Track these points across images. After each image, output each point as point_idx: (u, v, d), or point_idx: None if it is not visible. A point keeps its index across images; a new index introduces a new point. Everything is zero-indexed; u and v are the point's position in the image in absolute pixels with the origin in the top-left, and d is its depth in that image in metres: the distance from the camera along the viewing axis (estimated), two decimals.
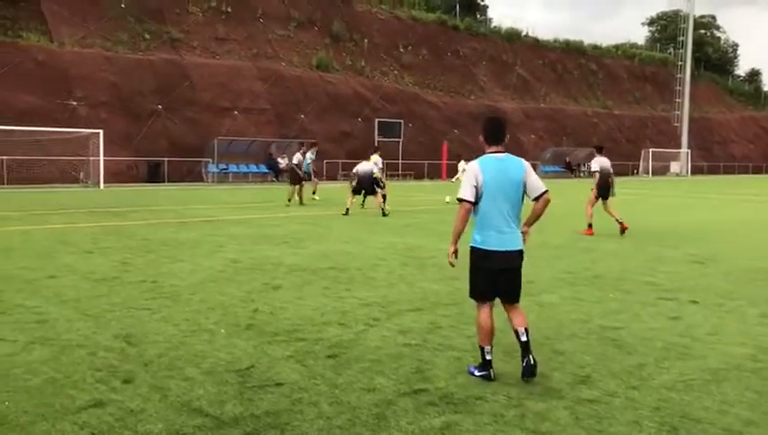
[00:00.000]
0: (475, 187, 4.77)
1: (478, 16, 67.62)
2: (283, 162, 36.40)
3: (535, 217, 4.96)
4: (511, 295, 4.90)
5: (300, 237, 12.74)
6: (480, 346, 4.90)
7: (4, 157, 30.97)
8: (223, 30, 44.52)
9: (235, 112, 41.32)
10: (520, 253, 4.87)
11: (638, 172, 63.85)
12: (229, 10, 45.43)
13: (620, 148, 62.59)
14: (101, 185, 30.69)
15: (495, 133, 4.94)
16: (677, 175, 65.60)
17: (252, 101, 42.59)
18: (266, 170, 40.64)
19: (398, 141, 46.88)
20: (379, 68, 52.42)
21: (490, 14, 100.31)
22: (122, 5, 40.45)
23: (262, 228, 14.35)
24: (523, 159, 4.95)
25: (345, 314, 6.67)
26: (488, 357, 4.86)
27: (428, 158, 48.56)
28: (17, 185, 30.39)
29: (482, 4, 70.62)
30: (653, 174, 62.84)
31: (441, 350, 5.54)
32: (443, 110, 53.09)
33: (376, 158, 19.65)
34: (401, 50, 54.85)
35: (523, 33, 67.25)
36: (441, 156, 48.42)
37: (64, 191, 27.74)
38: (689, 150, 69.21)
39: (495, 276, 4.83)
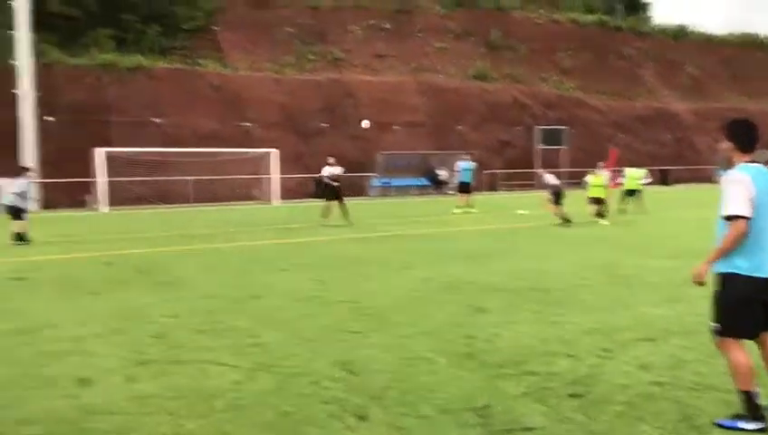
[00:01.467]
0: (750, 200, 4.02)
1: (641, 15, 63.94)
2: (443, 174, 36.19)
3: None
4: None
5: (484, 253, 12.23)
6: (743, 391, 4.10)
7: (189, 177, 33.28)
8: (383, 46, 45.32)
9: (396, 127, 41.78)
10: None
11: None
12: (388, 26, 46.20)
13: None
14: (275, 201, 32.07)
15: (752, 139, 4.24)
16: None
17: (411, 115, 42.90)
18: (427, 183, 40.66)
19: (561, 149, 45.16)
20: (538, 74, 50.92)
21: (653, 12, 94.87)
22: (289, 30, 42.37)
23: (441, 243, 14.03)
24: None
25: (569, 344, 6.05)
26: (759, 402, 4.08)
27: (593, 165, 46.32)
28: (200, 203, 32.55)
29: (644, 2, 66.77)
30: None
31: (699, 390, 4.79)
32: (607, 114, 50.56)
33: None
34: (561, 54, 52.96)
35: (691, 30, 62.63)
36: (609, 162, 46.01)
37: (242, 209, 29.26)
38: None
39: (761, 309, 4.07)
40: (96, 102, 33.99)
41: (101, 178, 29.52)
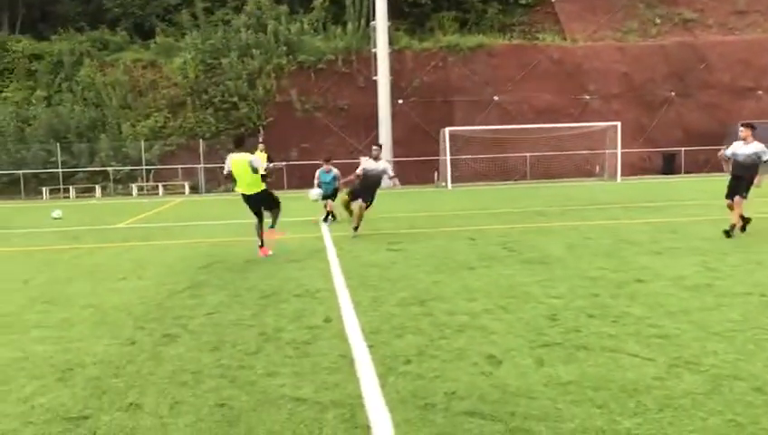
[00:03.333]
0: None
1: None
2: None
3: None
4: None
5: None
6: None
7: (527, 153, 33.32)
8: (743, 2, 39.92)
9: (759, 92, 36.59)
10: None
11: None
12: None
13: None
14: (618, 178, 30.47)
15: None
16: None
17: None
18: None
19: None
20: None
21: None
22: None
23: None
24: None
25: None
26: None
27: None
28: (538, 180, 32.40)
29: None
30: None
31: None
32: None
33: None
34: None
35: None
36: None
37: (581, 185, 28.32)
38: None
39: None
40: (440, 84, 35.85)
41: (446, 157, 31.06)
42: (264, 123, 34.21)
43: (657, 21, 39.20)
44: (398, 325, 6.13)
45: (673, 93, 36.16)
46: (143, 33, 39.49)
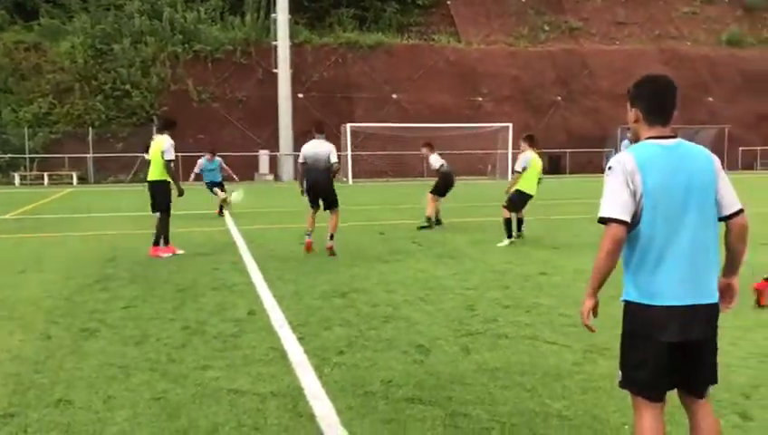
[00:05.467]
0: (631, 196, 2.77)
1: None
2: None
3: (734, 259, 2.94)
4: (699, 381, 2.90)
5: None
6: None
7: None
8: (622, 13, 42.67)
9: None
10: (717, 308, 2.86)
11: None
12: None
13: None
14: (510, 177, 31.74)
15: (660, 103, 2.89)
16: None
17: None
18: None
19: None
20: None
21: None
22: (523, 0, 41.46)
23: None
24: (706, 149, 2.91)
25: None
26: None
27: None
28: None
29: None
30: None
31: None
32: None
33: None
34: None
35: None
36: None
37: (476, 184, 29.34)
38: None
39: (673, 353, 2.78)
40: (341, 79, 36.01)
41: (347, 152, 31.24)
42: (158, 112, 33.07)
43: (546, 28, 41.16)
44: (325, 318, 6.22)
45: (559, 98, 38.10)
46: (25, 13, 37.09)
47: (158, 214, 9.94)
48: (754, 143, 38.45)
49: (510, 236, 10.80)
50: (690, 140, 2.99)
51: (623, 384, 2.98)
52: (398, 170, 33.76)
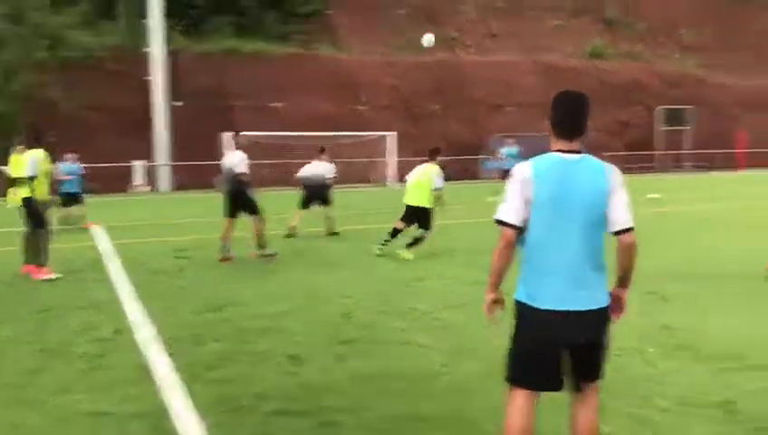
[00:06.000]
0: (524, 203, 3.00)
1: None
2: None
3: (622, 273, 3.11)
4: (587, 375, 3.10)
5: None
6: None
7: (308, 160, 33.96)
8: (496, 26, 44.52)
9: (509, 108, 41.01)
10: (604, 314, 3.05)
11: None
12: (501, 5, 45.32)
13: None
14: (393, 185, 32.26)
15: (567, 119, 3.07)
16: None
17: (525, 96, 41.94)
18: None
19: (685, 130, 42.93)
20: (658, 52, 48.61)
21: None
22: (401, 11, 42.33)
23: None
24: (609, 165, 3.08)
25: None
26: None
27: (720, 147, 43.74)
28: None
29: None
30: None
31: None
32: (736, 93, 47.55)
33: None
34: (683, 31, 50.26)
35: None
36: (735, 145, 43.37)
37: (359, 192, 29.60)
38: None
39: (555, 353, 3.01)
40: (220, 87, 35.24)
41: None
42: (24, 123, 30.96)
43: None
44: (197, 333, 6.07)
45: (437, 107, 39.16)
46: None
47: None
48: (618, 149, 41.11)
49: (389, 241, 10.93)
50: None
51: (507, 377, 3.15)
52: (282, 179, 33.44)
